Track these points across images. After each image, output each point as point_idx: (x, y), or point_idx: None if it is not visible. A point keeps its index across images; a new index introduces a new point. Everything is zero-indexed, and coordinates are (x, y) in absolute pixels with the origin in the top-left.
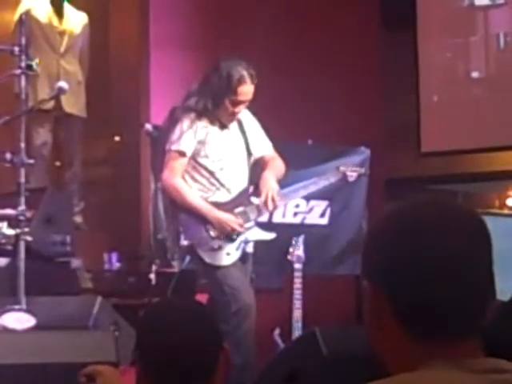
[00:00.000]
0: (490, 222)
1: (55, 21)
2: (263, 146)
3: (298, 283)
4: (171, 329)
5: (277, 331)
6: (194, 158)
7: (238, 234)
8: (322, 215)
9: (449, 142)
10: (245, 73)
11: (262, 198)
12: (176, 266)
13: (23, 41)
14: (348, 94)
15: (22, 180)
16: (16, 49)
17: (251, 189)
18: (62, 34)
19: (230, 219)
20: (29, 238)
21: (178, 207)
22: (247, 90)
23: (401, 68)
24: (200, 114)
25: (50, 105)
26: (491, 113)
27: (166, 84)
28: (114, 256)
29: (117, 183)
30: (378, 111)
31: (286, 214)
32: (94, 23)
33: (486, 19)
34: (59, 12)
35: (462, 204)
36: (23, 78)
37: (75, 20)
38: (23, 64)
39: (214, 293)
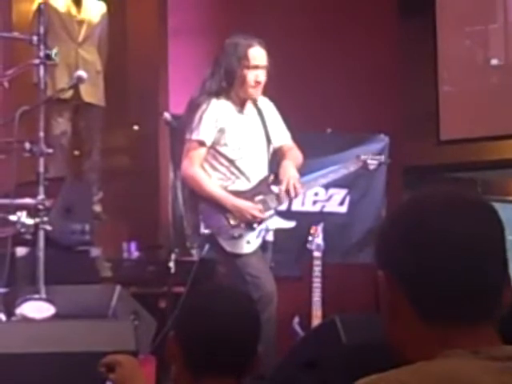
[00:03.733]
0: (510, 210)
1: (74, 10)
2: (282, 135)
3: (317, 271)
4: (217, 319)
5: (296, 319)
6: (213, 146)
7: (259, 221)
8: (341, 203)
9: (468, 129)
10: (252, 39)
11: (283, 186)
12: (195, 255)
13: (42, 30)
14: (367, 82)
15: (41, 169)
16: (35, 38)
17: (271, 177)
18: (80, 23)
19: (249, 206)
20: (48, 228)
21: (198, 196)
22: (258, 53)
23: (419, 56)
24: (217, 95)
25: (69, 94)
26: (510, 100)
27: (184, 73)
28: (133, 245)
29: (136, 172)
30: (397, 99)
31: (305, 202)
32: (112, 12)
33: (505, 6)
34: (77, 1)
35: (473, 193)
36: (42, 68)
37: (93, 9)
38: (42, 54)
39: (235, 281)
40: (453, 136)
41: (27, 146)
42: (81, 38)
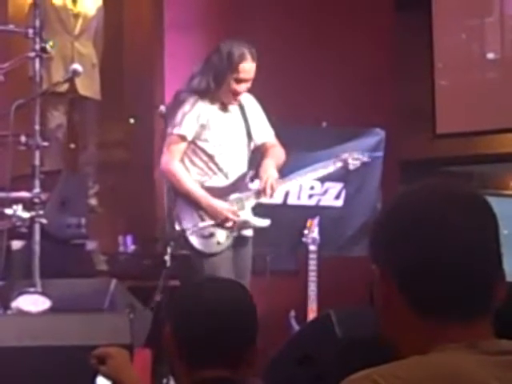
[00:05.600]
0: (506, 204)
1: (69, 3)
2: (265, 132)
3: (312, 265)
4: (209, 310)
5: (292, 313)
6: (194, 141)
7: (232, 223)
8: (337, 197)
9: (464, 123)
10: (245, 50)
11: (261, 185)
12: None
13: (37, 23)
14: (362, 75)
15: (37, 162)
16: (30, 31)
17: (250, 174)
18: (76, 16)
19: (224, 208)
20: (44, 221)
21: (175, 191)
22: (248, 68)
23: (415, 49)
24: (202, 95)
25: (65, 87)
26: (506, 94)
27: (180, 66)
28: (129, 238)
29: (131, 165)
30: (393, 93)
31: (300, 196)
32: (108, 5)
33: (501, 0)
34: None
35: (468, 186)
36: (37, 61)
37: (89, 2)
38: (37, 46)
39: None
40: (449, 130)
41: (23, 139)
42: (77, 31)
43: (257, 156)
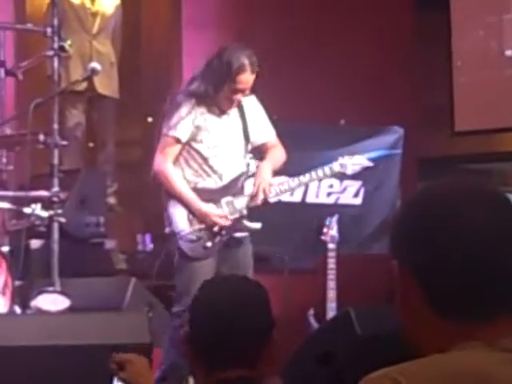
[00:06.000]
0: None
1: (87, 2)
2: (265, 132)
3: (331, 263)
4: (221, 309)
5: (311, 312)
6: (189, 143)
7: (221, 228)
8: (356, 195)
9: (483, 120)
10: (246, 61)
11: (254, 189)
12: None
13: (56, 22)
14: (381, 73)
15: (56, 161)
16: (49, 30)
17: (243, 177)
18: (94, 15)
19: (213, 214)
20: (62, 220)
21: (168, 193)
22: (246, 79)
23: (434, 47)
24: (200, 99)
25: (83, 86)
26: None
27: (197, 64)
28: (148, 237)
29: (150, 164)
30: (412, 90)
31: (319, 194)
32: (126, 4)
33: None
34: None
35: (488, 184)
36: (56, 60)
37: (107, 1)
38: (56, 45)
39: (176, 282)
40: (467, 127)
41: (41, 137)
42: (95, 30)
43: (257, 156)
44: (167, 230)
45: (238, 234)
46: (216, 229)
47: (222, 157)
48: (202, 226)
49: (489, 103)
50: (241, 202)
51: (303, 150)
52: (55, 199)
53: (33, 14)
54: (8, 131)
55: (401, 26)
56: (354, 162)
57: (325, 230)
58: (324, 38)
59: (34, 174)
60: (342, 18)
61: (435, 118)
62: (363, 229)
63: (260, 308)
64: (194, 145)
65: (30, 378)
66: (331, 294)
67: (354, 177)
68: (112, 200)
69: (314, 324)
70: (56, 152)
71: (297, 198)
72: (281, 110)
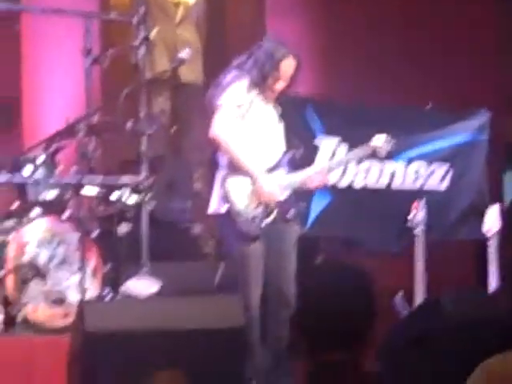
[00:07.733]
0: None
1: None
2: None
3: (419, 247)
4: (321, 295)
5: (399, 294)
6: (240, 118)
7: (275, 206)
8: (442, 179)
9: None
10: (286, 49)
11: (317, 168)
12: None
13: (141, 11)
14: (467, 57)
15: (143, 148)
16: (135, 19)
17: (289, 158)
18: (176, 5)
19: (274, 191)
20: (150, 205)
21: (230, 171)
22: (289, 64)
23: None
24: (252, 80)
25: (168, 74)
26: None
27: None
28: None
29: None
30: (498, 74)
31: (405, 178)
32: None
33: None
34: None
35: None
36: (142, 49)
37: None
38: (142, 34)
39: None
40: None
41: (129, 125)
42: (178, 19)
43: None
44: (224, 208)
45: (289, 216)
46: (271, 209)
47: (269, 140)
48: (259, 204)
49: None
50: (293, 184)
51: (391, 135)
52: (143, 185)
53: (116, 4)
54: (95, 119)
55: (484, 8)
56: (384, 144)
57: (412, 214)
58: (411, 22)
59: (121, 160)
60: (431, 4)
61: None
62: (449, 213)
63: (367, 292)
64: (244, 122)
65: (121, 364)
66: (419, 278)
67: (442, 159)
68: (198, 185)
69: (403, 307)
70: (144, 139)
71: (382, 184)
72: (370, 96)
